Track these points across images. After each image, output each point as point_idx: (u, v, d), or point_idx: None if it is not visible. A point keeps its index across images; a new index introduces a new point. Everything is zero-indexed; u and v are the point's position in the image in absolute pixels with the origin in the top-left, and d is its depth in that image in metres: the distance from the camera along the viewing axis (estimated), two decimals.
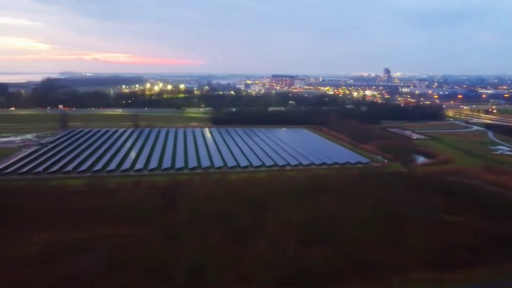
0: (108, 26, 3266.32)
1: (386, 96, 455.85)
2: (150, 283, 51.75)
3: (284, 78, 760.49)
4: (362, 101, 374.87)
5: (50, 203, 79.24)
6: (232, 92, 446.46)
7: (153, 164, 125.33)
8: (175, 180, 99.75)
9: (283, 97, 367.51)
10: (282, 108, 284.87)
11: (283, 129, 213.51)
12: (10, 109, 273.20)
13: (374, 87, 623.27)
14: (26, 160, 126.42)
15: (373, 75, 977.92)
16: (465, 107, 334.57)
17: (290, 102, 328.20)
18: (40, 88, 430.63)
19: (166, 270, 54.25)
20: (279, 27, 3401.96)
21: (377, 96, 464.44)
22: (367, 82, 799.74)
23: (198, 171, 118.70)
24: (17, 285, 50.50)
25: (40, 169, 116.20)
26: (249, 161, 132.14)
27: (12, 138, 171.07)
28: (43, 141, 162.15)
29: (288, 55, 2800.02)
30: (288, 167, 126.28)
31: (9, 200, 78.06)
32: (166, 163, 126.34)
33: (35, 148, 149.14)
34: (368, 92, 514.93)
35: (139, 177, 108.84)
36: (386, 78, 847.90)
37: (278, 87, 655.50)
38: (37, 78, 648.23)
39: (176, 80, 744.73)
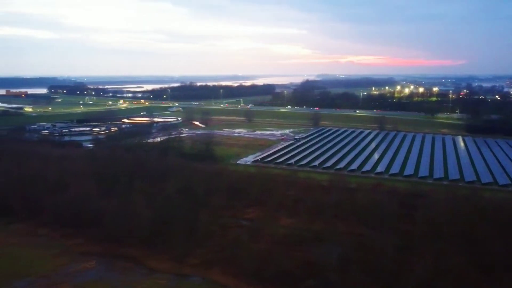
0: (363, 29, 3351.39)
1: None
2: None
3: None
4: None
5: (298, 192, 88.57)
6: (497, 96, 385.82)
7: (395, 169, 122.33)
8: (417, 188, 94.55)
9: None
10: None
11: None
12: (275, 106, 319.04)
13: None
14: (282, 152, 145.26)
15: None
16: None
17: None
18: (299, 89, 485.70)
19: (397, 280, 52.44)
20: None
21: None
22: None
23: (444, 182, 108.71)
24: (267, 259, 58.94)
25: (292, 161, 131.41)
26: (510, 179, 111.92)
27: (273, 132, 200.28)
28: (297, 136, 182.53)
29: None
30: None
31: (267, 185, 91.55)
32: (409, 170, 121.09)
33: (290, 142, 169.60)
34: None
35: (379, 180, 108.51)
36: None
37: None
38: (298, 79, 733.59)
39: (429, 82, 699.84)
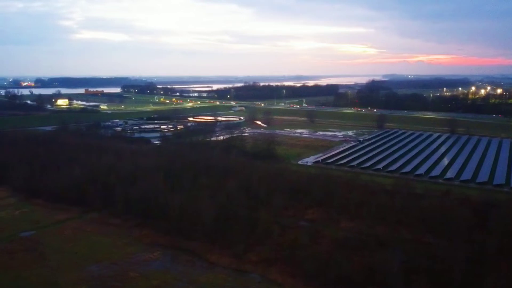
0: (436, 27, 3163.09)
1: None
2: None
3: None
4: None
5: (359, 196, 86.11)
6: None
7: (467, 175, 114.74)
8: (491, 197, 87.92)
9: None
10: None
11: None
12: (338, 107, 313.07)
13: None
14: (344, 154, 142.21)
15: None
16: None
17: None
18: (364, 89, 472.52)
19: None
20: None
21: None
22: None
23: None
24: (327, 261, 58.13)
25: (354, 163, 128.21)
26: None
27: (336, 133, 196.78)
28: (360, 138, 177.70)
29: None
30: None
31: (328, 187, 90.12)
32: (483, 177, 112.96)
33: (353, 143, 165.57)
34: None
35: (449, 186, 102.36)
36: None
37: None
38: (363, 80, 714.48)
39: (510, 83, 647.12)
